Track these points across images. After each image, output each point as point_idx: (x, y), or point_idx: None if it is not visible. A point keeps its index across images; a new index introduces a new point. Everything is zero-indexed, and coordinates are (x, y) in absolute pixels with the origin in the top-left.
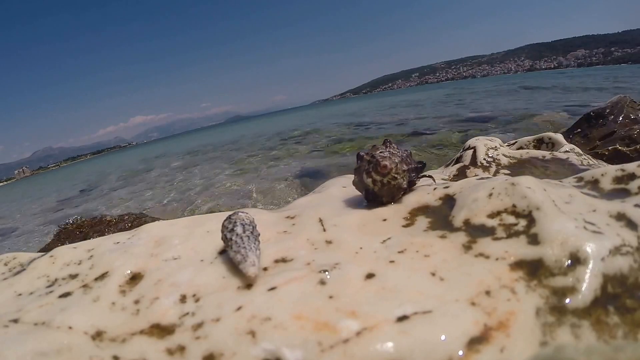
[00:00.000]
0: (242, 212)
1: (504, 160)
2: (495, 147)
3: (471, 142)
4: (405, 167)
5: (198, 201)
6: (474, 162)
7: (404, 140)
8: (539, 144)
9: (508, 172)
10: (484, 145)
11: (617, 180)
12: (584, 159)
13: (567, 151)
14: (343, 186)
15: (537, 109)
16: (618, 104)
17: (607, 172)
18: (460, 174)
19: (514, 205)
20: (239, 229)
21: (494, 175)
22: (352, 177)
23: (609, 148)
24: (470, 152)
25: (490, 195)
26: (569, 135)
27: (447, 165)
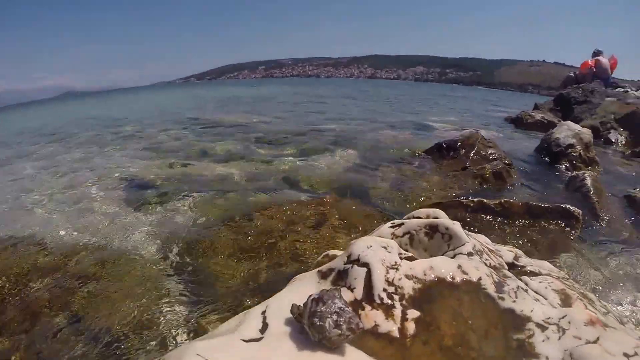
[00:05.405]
0: None
1: (408, 287)
2: (395, 263)
3: (361, 253)
4: None
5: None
6: (369, 295)
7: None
8: (432, 232)
9: (418, 313)
10: (381, 262)
11: None
12: (489, 260)
13: (471, 253)
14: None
15: (380, 124)
16: (470, 139)
17: None
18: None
19: None
20: None
21: (401, 323)
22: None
23: (475, 200)
24: (362, 272)
25: None
26: (422, 158)
27: (324, 277)
